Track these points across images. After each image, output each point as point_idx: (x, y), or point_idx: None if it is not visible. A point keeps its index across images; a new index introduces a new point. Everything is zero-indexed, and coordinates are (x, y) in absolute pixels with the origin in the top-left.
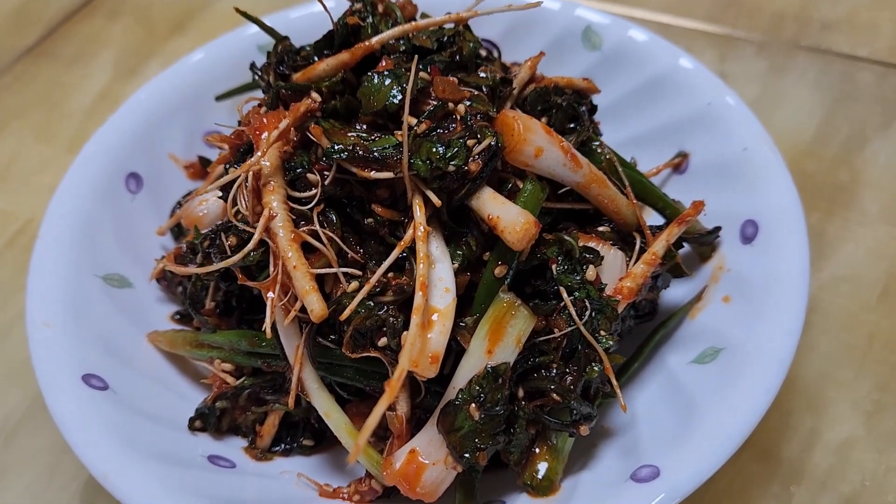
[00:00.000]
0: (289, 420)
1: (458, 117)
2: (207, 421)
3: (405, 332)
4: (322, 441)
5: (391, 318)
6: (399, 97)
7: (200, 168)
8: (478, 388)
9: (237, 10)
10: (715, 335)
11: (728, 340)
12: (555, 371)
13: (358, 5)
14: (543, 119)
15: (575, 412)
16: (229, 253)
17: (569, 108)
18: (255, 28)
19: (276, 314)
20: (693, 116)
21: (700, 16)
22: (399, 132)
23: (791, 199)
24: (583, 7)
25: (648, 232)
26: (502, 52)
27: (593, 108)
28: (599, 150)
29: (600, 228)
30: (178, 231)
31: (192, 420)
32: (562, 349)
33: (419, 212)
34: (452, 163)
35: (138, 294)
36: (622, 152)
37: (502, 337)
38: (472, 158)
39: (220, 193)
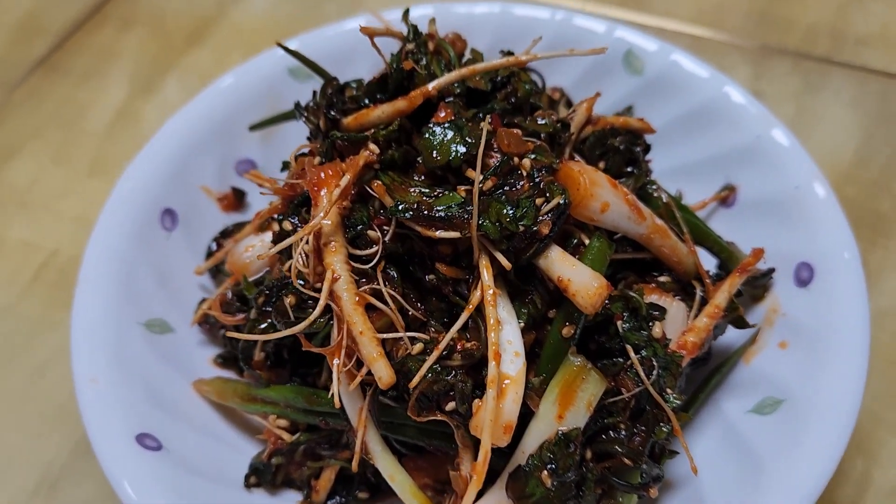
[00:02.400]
0: (343, 473)
1: (524, 173)
2: (263, 477)
3: (476, 401)
4: (377, 493)
5: (460, 384)
6: (463, 150)
7: (234, 199)
8: (549, 454)
9: (280, 45)
10: (774, 384)
11: (789, 391)
12: (623, 432)
13: (410, 45)
14: (601, 163)
15: (644, 474)
16: (290, 314)
17: (626, 151)
18: (281, 51)
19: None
20: (741, 149)
21: (732, 26)
22: (462, 187)
23: (847, 242)
24: (623, 28)
25: (708, 281)
26: (543, 75)
27: (647, 148)
28: (656, 195)
29: (661, 279)
30: (215, 269)
31: (247, 476)
32: (629, 409)
33: (487, 274)
34: (521, 223)
35: (180, 339)
36: (665, 182)
37: (573, 401)
38: (540, 218)
39: (267, 239)
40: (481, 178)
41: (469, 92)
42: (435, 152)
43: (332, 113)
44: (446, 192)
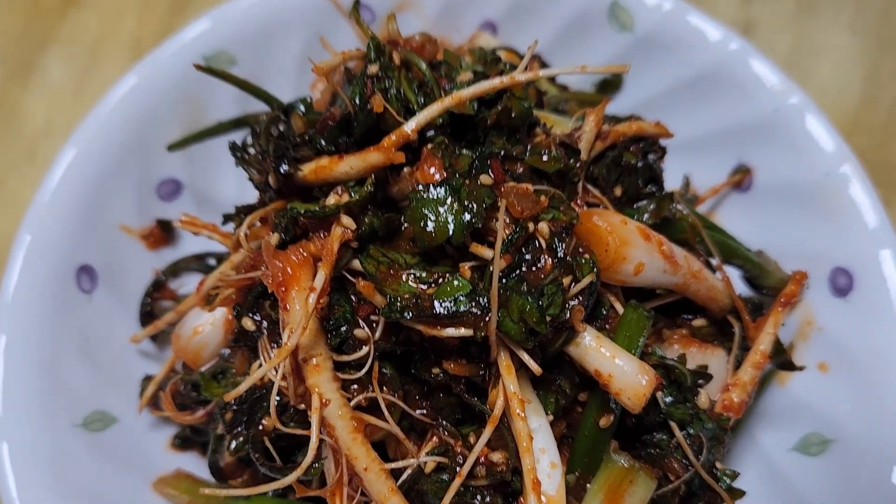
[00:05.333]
0: None
1: (543, 243)
2: None
3: None
4: None
5: None
6: (466, 221)
7: (160, 234)
8: None
9: (198, 67)
10: (818, 417)
11: (838, 429)
12: None
13: (374, 68)
14: (618, 189)
15: None
16: (274, 453)
17: (644, 169)
18: (194, 32)
19: None
20: (756, 124)
21: None
22: (466, 265)
23: (891, 244)
24: None
25: (748, 318)
26: (499, 30)
27: (663, 154)
28: (679, 216)
29: (695, 323)
30: (157, 334)
31: None
32: (678, 496)
33: (510, 380)
34: (549, 313)
35: (126, 428)
36: (666, 163)
37: None
38: (570, 304)
39: (218, 316)
40: (490, 253)
41: (453, 119)
42: (429, 226)
43: (285, 167)
44: (448, 276)
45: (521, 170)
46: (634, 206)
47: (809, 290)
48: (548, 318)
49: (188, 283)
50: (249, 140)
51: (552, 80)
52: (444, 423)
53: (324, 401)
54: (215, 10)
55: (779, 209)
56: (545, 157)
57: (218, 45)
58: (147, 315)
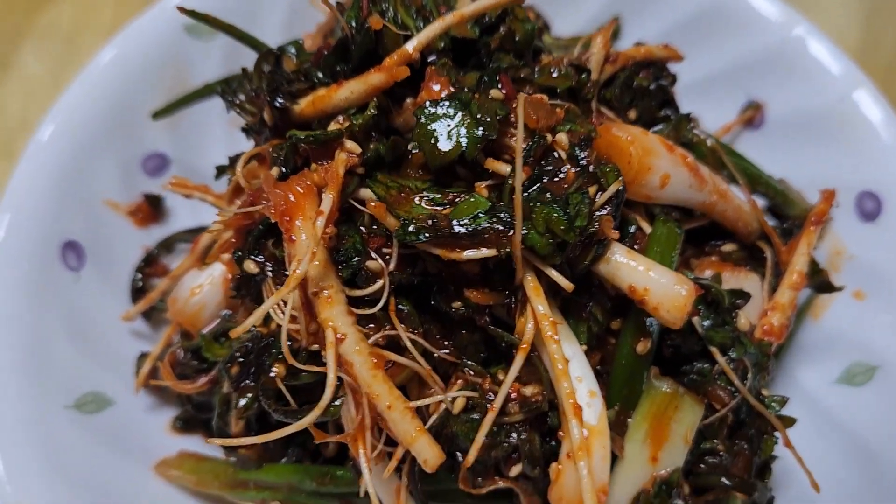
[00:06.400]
0: None
1: (563, 154)
2: None
3: (554, 465)
4: None
5: (527, 446)
6: (479, 136)
7: (149, 209)
8: None
9: (181, 9)
10: (859, 345)
11: (882, 355)
12: (723, 456)
13: None
14: (632, 112)
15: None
16: (288, 396)
17: (658, 92)
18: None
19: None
20: (762, 59)
21: None
22: (482, 183)
23: None
24: None
25: (779, 241)
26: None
27: (673, 80)
28: (699, 140)
29: (725, 248)
30: (150, 311)
31: None
32: (727, 426)
33: (540, 301)
34: (576, 225)
35: (122, 411)
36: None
37: (667, 437)
38: (597, 214)
39: (216, 274)
40: (507, 168)
41: (455, 44)
42: (440, 143)
43: (280, 100)
44: (463, 195)
45: (531, 91)
46: (650, 130)
47: (836, 219)
48: (577, 232)
49: (181, 259)
50: (240, 83)
51: (548, 31)
52: (469, 362)
53: (338, 335)
54: None
55: (794, 142)
56: (555, 75)
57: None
58: (138, 292)
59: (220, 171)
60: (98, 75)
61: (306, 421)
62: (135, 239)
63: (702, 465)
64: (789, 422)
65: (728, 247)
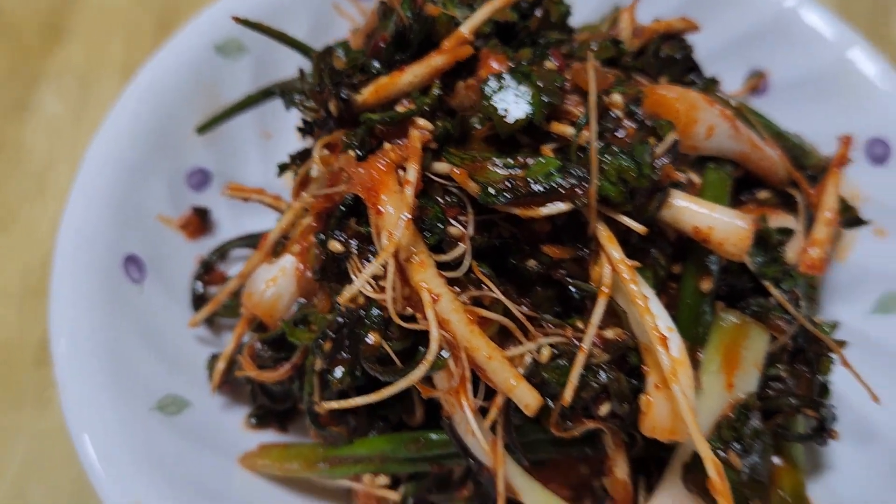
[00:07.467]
0: None
1: (620, 113)
2: None
3: (643, 397)
4: None
5: (614, 383)
6: (545, 101)
7: (198, 222)
8: (731, 432)
9: (236, 19)
10: (888, 277)
11: None
12: (787, 380)
13: None
14: (663, 80)
15: (825, 420)
16: (393, 357)
17: (684, 60)
18: (202, 24)
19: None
20: (760, 30)
21: None
22: (548, 146)
23: None
24: None
25: (807, 185)
26: None
27: (690, 50)
28: (723, 100)
29: (760, 195)
30: (212, 318)
31: None
32: (786, 353)
33: (614, 248)
34: (645, 173)
35: (200, 411)
36: None
37: (740, 364)
38: (658, 162)
39: (288, 266)
40: (572, 130)
41: (497, 28)
42: (508, 112)
43: (345, 93)
44: (536, 159)
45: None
46: None
47: (848, 167)
48: (646, 176)
49: (236, 267)
50: (308, 83)
51: None
52: (547, 316)
53: (434, 296)
54: (222, 2)
55: (799, 104)
56: (594, 48)
57: (227, 34)
58: (199, 299)
59: (283, 168)
60: (139, 96)
61: (418, 373)
62: (187, 251)
63: (769, 391)
64: (841, 344)
65: (763, 194)
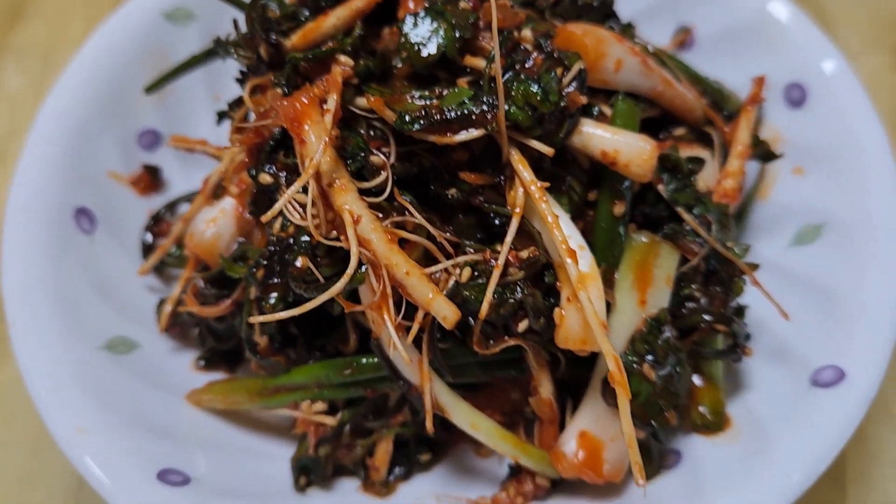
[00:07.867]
0: (398, 440)
1: (529, 46)
2: (314, 474)
3: (557, 311)
4: (438, 450)
5: (530, 299)
6: (457, 37)
7: (149, 179)
8: (644, 345)
9: None
10: (804, 211)
11: (824, 213)
12: (702, 299)
13: None
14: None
15: (737, 336)
16: (318, 276)
17: (601, 6)
18: None
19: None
20: None
21: None
22: (463, 79)
23: (831, 53)
24: None
25: (721, 123)
26: None
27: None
28: (640, 45)
29: (676, 132)
30: (160, 265)
31: (296, 479)
32: (700, 273)
33: (526, 170)
34: (551, 99)
35: (148, 353)
36: None
37: (651, 281)
38: (566, 90)
39: (227, 206)
40: (483, 62)
41: None
42: (423, 48)
43: (273, 37)
44: (450, 90)
45: None
46: None
47: (768, 110)
48: (550, 106)
49: None
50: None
51: None
52: (468, 242)
53: (355, 217)
54: None
55: (723, 56)
56: None
57: (175, 2)
58: (149, 249)
59: (221, 116)
60: (89, 62)
61: (336, 287)
62: (139, 206)
63: (683, 310)
64: (753, 266)
65: (679, 131)
